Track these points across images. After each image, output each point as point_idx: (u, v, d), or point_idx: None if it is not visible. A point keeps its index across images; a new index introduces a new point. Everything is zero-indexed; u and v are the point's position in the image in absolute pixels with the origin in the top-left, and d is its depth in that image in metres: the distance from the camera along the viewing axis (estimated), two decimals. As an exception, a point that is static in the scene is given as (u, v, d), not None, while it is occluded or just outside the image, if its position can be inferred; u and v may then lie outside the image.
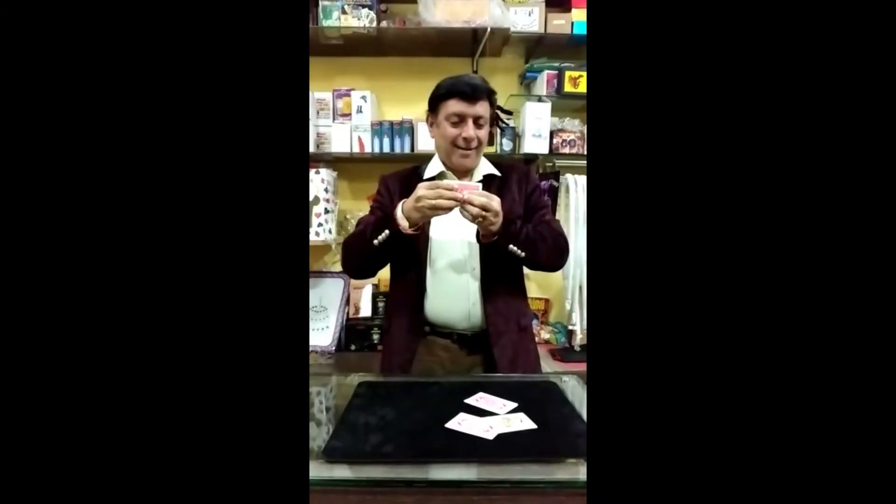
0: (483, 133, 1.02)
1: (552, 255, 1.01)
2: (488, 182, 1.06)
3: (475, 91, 0.99)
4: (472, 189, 0.90)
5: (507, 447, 0.62)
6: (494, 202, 0.89)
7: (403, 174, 1.12)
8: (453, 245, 1.04)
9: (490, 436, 0.64)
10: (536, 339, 1.75)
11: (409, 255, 1.03)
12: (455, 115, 1.00)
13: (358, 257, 1.03)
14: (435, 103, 1.03)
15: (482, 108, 1.00)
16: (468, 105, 0.99)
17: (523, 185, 1.09)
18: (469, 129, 1.00)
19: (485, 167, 1.09)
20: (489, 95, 1.03)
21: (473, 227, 0.99)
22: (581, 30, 1.61)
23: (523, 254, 0.95)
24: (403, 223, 0.92)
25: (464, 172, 1.06)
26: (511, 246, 0.95)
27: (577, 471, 0.58)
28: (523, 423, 0.68)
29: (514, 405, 0.73)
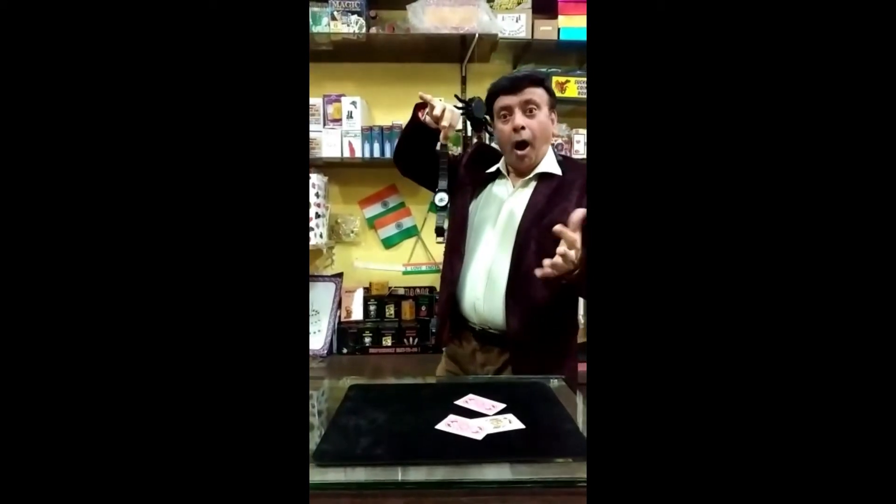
0: (536, 122, 0.99)
1: None
2: (542, 183, 1.02)
3: (516, 82, 0.99)
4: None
5: (495, 448, 0.62)
6: (571, 253, 0.80)
7: (482, 149, 1.21)
8: (482, 236, 1.05)
9: (479, 437, 0.65)
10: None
11: (453, 227, 1.07)
12: (503, 108, 1.00)
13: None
14: (490, 109, 1.05)
15: (530, 94, 0.98)
16: (513, 95, 0.99)
17: (585, 191, 0.97)
18: (517, 118, 0.98)
19: (546, 164, 1.03)
20: (539, 82, 1.00)
21: (510, 224, 1.01)
22: (567, 36, 1.63)
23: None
24: (427, 113, 1.01)
25: (525, 170, 1.04)
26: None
27: (565, 470, 0.59)
28: (512, 423, 0.69)
29: (502, 406, 0.74)
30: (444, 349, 1.15)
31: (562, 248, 0.81)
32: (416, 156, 1.10)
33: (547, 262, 0.82)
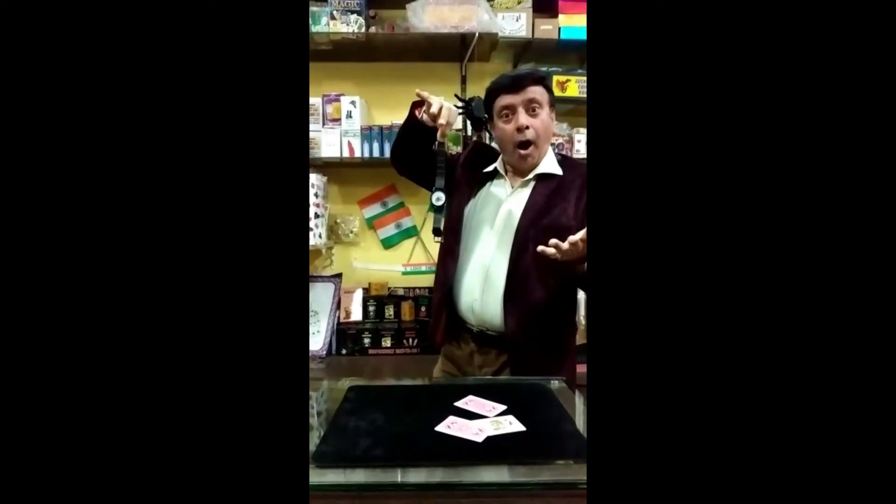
0: (539, 121, 0.99)
1: None
2: (541, 183, 1.01)
3: (517, 80, 0.98)
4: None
5: (496, 449, 0.62)
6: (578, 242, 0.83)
7: (479, 148, 1.19)
8: (480, 237, 1.04)
9: (479, 438, 0.64)
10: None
11: (447, 227, 1.05)
12: (504, 108, 0.99)
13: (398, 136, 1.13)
14: (489, 108, 1.03)
15: (533, 93, 0.97)
16: (515, 94, 0.98)
17: (585, 192, 0.97)
18: (520, 117, 0.97)
19: (546, 164, 1.03)
20: (539, 80, 0.99)
21: (508, 225, 1.00)
22: (567, 35, 1.63)
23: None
24: (425, 111, 1.00)
25: (527, 170, 1.03)
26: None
27: (566, 472, 0.58)
28: (512, 425, 0.68)
29: (503, 408, 0.74)
30: (440, 350, 1.14)
31: (575, 238, 0.82)
32: (413, 154, 1.10)
33: (554, 241, 0.83)
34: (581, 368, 1.10)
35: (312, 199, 1.59)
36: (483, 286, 1.01)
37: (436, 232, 1.00)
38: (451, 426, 0.67)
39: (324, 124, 1.69)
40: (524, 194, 1.03)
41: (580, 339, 1.72)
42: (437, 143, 1.04)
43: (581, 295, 1.69)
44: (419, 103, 1.03)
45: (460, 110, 1.09)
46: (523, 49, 1.74)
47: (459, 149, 1.66)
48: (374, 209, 1.86)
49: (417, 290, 1.79)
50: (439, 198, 1.01)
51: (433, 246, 1.85)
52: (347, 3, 1.60)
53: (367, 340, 1.69)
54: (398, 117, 1.74)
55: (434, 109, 0.98)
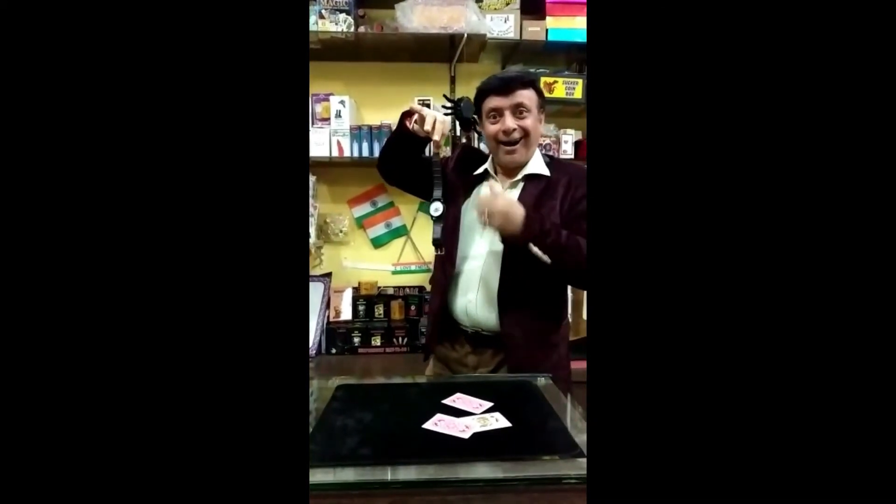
0: (528, 122, 1.00)
1: (581, 267, 0.90)
2: (530, 183, 1.03)
3: (507, 83, 0.99)
4: (494, 188, 0.93)
5: (482, 446, 0.63)
6: (498, 203, 0.89)
7: (468, 151, 1.20)
8: (473, 239, 1.04)
9: (466, 435, 0.65)
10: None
11: (444, 233, 1.06)
12: (492, 110, 1.00)
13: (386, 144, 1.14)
14: (478, 108, 1.04)
15: (521, 97, 0.98)
16: (503, 97, 0.98)
17: (571, 190, 1.00)
18: (507, 121, 0.98)
19: (534, 165, 1.04)
20: (529, 84, 1.00)
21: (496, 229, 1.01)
22: (555, 37, 1.64)
23: (547, 258, 0.90)
24: (414, 121, 1.00)
25: (514, 169, 1.04)
26: (532, 245, 0.90)
27: (552, 467, 0.59)
28: (499, 422, 0.69)
29: (489, 405, 0.75)
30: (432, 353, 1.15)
31: (484, 195, 0.90)
32: (402, 164, 1.10)
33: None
34: (575, 365, 1.12)
35: (301, 199, 1.58)
36: (477, 288, 1.02)
37: (436, 243, 1.00)
38: (438, 424, 0.68)
39: (313, 124, 1.69)
40: (513, 196, 1.04)
41: (572, 335, 1.74)
42: (432, 153, 1.04)
43: (569, 295, 1.71)
44: (408, 113, 1.03)
45: (449, 111, 1.10)
46: (511, 50, 1.75)
47: (449, 149, 1.67)
48: (364, 208, 1.86)
49: (407, 290, 1.80)
50: (437, 208, 1.01)
51: (423, 245, 1.85)
52: (336, 3, 1.60)
53: (356, 339, 1.70)
54: (387, 117, 1.75)
55: (428, 126, 0.98)
